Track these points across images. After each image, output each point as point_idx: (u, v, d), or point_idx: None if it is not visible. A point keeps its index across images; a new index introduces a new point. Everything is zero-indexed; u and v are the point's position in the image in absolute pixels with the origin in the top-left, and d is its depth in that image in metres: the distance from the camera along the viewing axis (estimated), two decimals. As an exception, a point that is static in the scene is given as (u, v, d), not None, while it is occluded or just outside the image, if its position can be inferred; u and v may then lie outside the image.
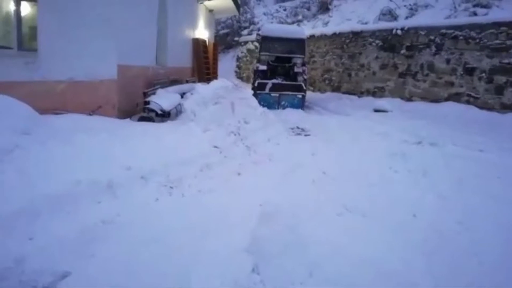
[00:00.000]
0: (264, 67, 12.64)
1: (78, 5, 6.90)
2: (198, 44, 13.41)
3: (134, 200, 3.80)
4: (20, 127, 4.37)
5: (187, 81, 10.30)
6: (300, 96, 11.54)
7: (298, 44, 13.05)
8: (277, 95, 11.53)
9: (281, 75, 13.04)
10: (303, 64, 12.91)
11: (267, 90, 11.48)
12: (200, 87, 7.80)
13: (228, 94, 7.69)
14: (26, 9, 7.68)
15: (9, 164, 3.52)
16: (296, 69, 12.66)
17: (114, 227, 3.21)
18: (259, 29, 16.08)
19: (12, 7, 7.56)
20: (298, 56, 12.88)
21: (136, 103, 7.52)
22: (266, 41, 13.12)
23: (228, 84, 8.13)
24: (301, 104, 11.58)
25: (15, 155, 3.80)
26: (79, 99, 6.82)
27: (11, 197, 3.13)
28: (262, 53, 13.02)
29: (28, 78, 6.83)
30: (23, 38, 7.67)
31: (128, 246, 2.93)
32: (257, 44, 17.19)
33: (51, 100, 6.71)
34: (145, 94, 7.41)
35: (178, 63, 11.28)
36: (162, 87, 7.93)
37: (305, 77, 12.85)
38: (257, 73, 12.65)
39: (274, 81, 12.04)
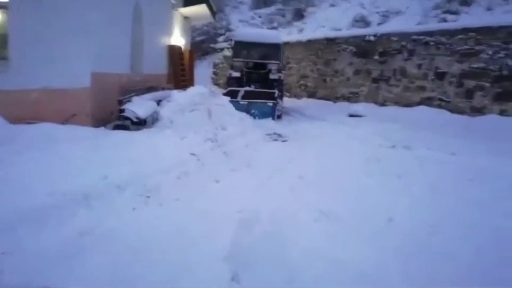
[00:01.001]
0: (237, 74, 12.16)
1: (50, 12, 6.78)
2: (174, 51, 13.35)
3: (110, 211, 3.74)
4: (-8, 138, 4.26)
5: (163, 88, 10.22)
6: (271, 104, 10.52)
7: (273, 50, 12.57)
8: (246, 103, 10.56)
9: (256, 82, 12.34)
10: (279, 71, 12.35)
11: (239, 98, 10.61)
12: (177, 94, 7.79)
13: (204, 101, 7.72)
14: (-5, 17, 7.50)
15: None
16: (271, 76, 12.12)
17: (91, 239, 3.15)
18: (228, 34, 15.77)
19: (-20, 14, 7.38)
20: (273, 62, 12.37)
21: (111, 111, 7.42)
22: (239, 46, 12.69)
23: (205, 91, 8.17)
24: (271, 113, 10.55)
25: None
26: (53, 107, 6.68)
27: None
28: (235, 59, 12.61)
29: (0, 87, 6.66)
30: (-7, 46, 7.48)
31: (106, 258, 2.88)
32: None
33: (24, 109, 6.55)
34: (120, 102, 7.32)
35: (154, 70, 11.19)
36: (137, 95, 7.84)
37: (282, 83, 12.36)
38: (230, 80, 12.17)
39: (247, 88, 11.45)
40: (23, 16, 6.79)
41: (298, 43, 16.97)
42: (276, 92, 10.98)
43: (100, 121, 7.02)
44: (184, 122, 6.85)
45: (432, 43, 10.97)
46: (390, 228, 3.77)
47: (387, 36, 12.49)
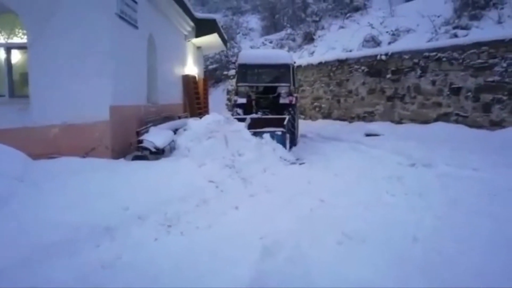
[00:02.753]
0: (243, 100, 10.84)
1: (68, 50, 7.01)
2: (188, 80, 13.60)
3: (132, 241, 3.76)
4: (15, 174, 4.36)
5: (179, 117, 10.37)
6: (280, 133, 8.79)
7: (282, 71, 11.29)
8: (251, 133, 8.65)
9: (266, 108, 11.07)
10: (290, 93, 10.89)
11: (245, 126, 8.90)
12: (193, 122, 7.85)
13: (220, 128, 7.72)
14: (16, 57, 7.80)
15: (6, 213, 3.50)
16: (281, 100, 10.71)
17: (114, 271, 3.15)
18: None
19: (2, 55, 7.68)
20: (283, 84, 10.92)
21: (129, 142, 7.54)
22: (243, 69, 11.40)
23: (220, 118, 8.14)
24: (281, 142, 8.79)
25: (11, 203, 3.79)
26: (73, 142, 6.83)
27: (10, 247, 3.10)
28: (239, 84, 11.20)
29: (21, 124, 6.87)
30: (15, 85, 7.76)
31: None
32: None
33: (45, 145, 6.71)
34: (138, 133, 7.44)
35: (170, 100, 11.40)
36: (154, 125, 7.97)
37: (295, 108, 10.93)
38: (235, 108, 10.87)
39: (253, 116, 10.11)
40: (42, 55, 7.03)
41: (310, 66, 17.10)
42: (287, 118, 9.64)
43: (119, 153, 7.13)
44: (201, 150, 6.88)
45: (444, 59, 10.94)
46: (415, 247, 3.70)
47: (398, 55, 12.51)
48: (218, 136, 7.38)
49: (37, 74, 7.07)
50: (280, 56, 11.90)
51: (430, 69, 11.39)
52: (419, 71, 11.74)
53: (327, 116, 16.09)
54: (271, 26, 30.51)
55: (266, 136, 8.52)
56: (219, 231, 4.15)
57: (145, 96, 9.40)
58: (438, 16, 13.60)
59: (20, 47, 7.62)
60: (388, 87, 12.95)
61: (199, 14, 14.75)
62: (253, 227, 4.20)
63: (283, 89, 10.89)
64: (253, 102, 11.08)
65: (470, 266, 3.27)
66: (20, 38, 7.63)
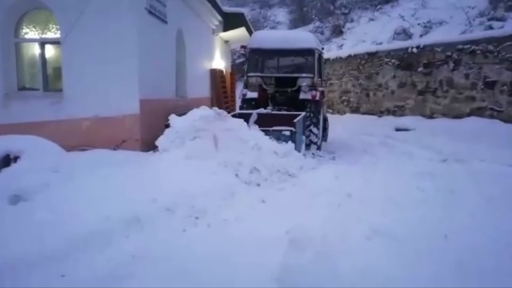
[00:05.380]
0: (253, 95, 8.98)
1: (99, 44, 7.16)
2: (215, 74, 13.67)
3: (161, 232, 3.82)
4: (50, 166, 4.50)
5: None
6: (288, 134, 6.85)
7: (304, 58, 9.25)
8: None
9: (282, 104, 9.07)
10: (314, 87, 8.72)
11: (251, 124, 7.23)
12: (175, 118, 6.55)
13: (210, 126, 6.27)
14: (50, 51, 8.03)
15: (41, 203, 3.61)
16: (301, 96, 8.62)
17: (144, 261, 3.21)
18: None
19: (37, 50, 7.92)
20: (305, 75, 8.82)
21: (158, 135, 7.64)
22: (255, 56, 9.36)
23: (210, 113, 6.48)
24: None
25: (45, 194, 3.91)
26: (104, 134, 7.00)
27: (44, 237, 3.20)
28: (250, 74, 9.18)
29: (55, 117, 7.08)
30: (48, 79, 7.99)
31: (160, 280, 2.93)
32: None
33: (77, 137, 6.90)
34: (167, 126, 7.53)
35: (197, 94, 11.50)
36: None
37: (320, 104, 8.91)
38: (244, 103, 8.98)
39: (261, 110, 8.12)
40: (75, 49, 7.21)
41: (338, 59, 16.87)
42: (302, 115, 7.75)
43: (148, 146, 7.25)
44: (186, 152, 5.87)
45: (479, 51, 10.57)
46: (447, 243, 3.61)
47: (431, 47, 12.16)
48: (206, 136, 6.17)
49: (69, 68, 7.27)
50: (302, 39, 9.46)
51: (464, 62, 11.03)
52: (452, 64, 11.39)
53: (355, 110, 15.86)
54: (299, 19, 30.20)
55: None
56: (246, 224, 4.16)
57: (174, 90, 9.52)
58: (473, 8, 13.16)
59: (54, 42, 7.83)
60: (419, 80, 12.64)
61: (226, 8, 14.80)
62: (280, 221, 4.18)
63: (304, 81, 8.74)
64: (267, 97, 9.26)
65: (505, 266, 3.16)
66: (53, 33, 7.84)
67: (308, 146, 8.15)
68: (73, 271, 2.98)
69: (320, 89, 9.25)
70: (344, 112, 16.39)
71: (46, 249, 3.11)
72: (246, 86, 9.17)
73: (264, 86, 9.18)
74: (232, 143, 6.18)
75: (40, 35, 7.96)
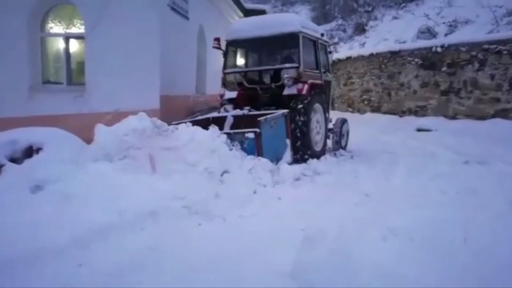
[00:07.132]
0: (232, 95, 7.68)
1: (121, 40, 7.25)
2: (236, 71, 13.65)
3: (176, 226, 3.86)
4: (72, 158, 4.58)
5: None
6: (252, 136, 5.87)
7: (286, 44, 7.72)
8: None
9: (267, 103, 7.62)
10: (298, 79, 7.09)
11: (226, 129, 6.59)
12: (102, 130, 5.29)
13: (145, 142, 5.00)
14: (74, 46, 8.18)
15: (64, 195, 3.70)
16: (285, 91, 7.15)
17: (159, 253, 3.25)
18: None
19: (61, 44, 8.08)
20: (288, 66, 7.27)
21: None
22: (233, 48, 8.07)
23: (146, 125, 5.13)
24: (251, 150, 5.88)
25: (64, 185, 4.00)
26: (124, 129, 7.06)
27: (61, 227, 3.28)
28: (227, 71, 7.84)
29: (77, 111, 7.22)
30: (72, 73, 8.15)
31: (175, 273, 2.95)
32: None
33: (98, 131, 6.99)
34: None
35: (217, 91, 11.53)
36: (201, 115, 8.09)
37: (312, 101, 7.07)
38: (222, 106, 7.63)
39: (237, 112, 7.04)
40: (98, 45, 7.32)
41: (360, 57, 16.66)
42: (280, 113, 6.49)
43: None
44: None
45: (505, 52, 10.29)
46: (466, 248, 3.51)
47: (455, 47, 11.89)
48: (139, 156, 4.87)
49: (93, 63, 7.39)
50: (282, 21, 7.54)
51: (489, 62, 10.76)
52: (477, 65, 11.12)
53: (376, 109, 15.65)
54: (321, 17, 29.97)
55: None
56: (261, 220, 4.16)
57: (194, 86, 9.57)
58: (500, 7, 12.82)
59: (78, 37, 7.98)
60: (442, 80, 12.38)
61: (248, 5, 14.76)
62: (295, 218, 4.17)
63: (287, 72, 7.19)
64: (250, 96, 7.78)
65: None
66: (77, 28, 7.99)
67: (298, 154, 6.84)
68: (89, 261, 3.04)
69: (313, 81, 7.37)
70: (365, 111, 16.20)
71: (65, 239, 3.19)
72: (224, 84, 7.91)
73: (245, 84, 7.71)
74: (175, 166, 4.87)
75: (64, 30, 8.12)
